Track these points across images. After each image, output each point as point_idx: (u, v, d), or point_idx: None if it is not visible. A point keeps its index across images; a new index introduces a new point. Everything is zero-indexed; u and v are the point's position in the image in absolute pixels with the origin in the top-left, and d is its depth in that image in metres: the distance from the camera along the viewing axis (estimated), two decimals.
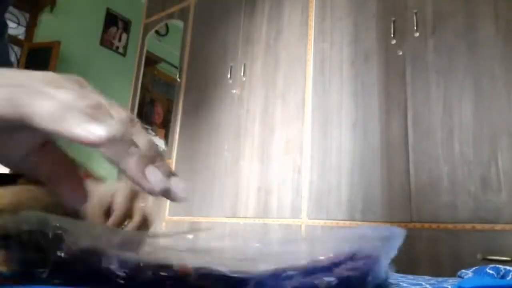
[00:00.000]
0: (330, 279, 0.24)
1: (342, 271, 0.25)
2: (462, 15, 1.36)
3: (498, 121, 1.22)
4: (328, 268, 0.25)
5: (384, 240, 0.29)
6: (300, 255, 0.28)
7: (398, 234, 0.29)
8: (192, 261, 0.26)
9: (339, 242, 0.30)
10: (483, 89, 1.27)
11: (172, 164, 2.24)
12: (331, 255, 0.27)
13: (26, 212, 0.29)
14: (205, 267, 0.25)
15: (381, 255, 0.27)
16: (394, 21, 1.52)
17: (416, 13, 1.46)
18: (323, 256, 0.26)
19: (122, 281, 0.25)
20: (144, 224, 0.47)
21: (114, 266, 0.26)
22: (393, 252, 0.28)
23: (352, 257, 0.27)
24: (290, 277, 0.25)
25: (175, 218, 2.12)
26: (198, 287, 0.25)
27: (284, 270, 0.25)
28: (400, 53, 1.48)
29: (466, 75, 1.31)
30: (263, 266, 0.26)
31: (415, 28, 1.45)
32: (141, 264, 0.26)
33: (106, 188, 0.44)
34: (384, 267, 0.28)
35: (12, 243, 0.26)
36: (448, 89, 1.34)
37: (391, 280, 0.43)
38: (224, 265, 0.26)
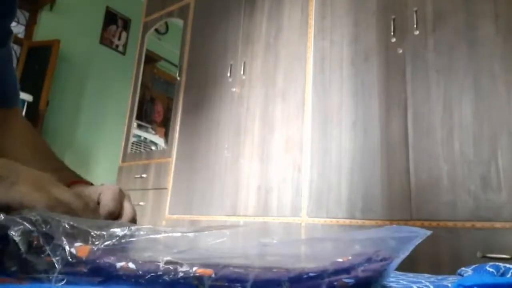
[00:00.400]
0: (348, 280, 0.25)
1: (358, 272, 0.26)
2: (462, 14, 1.36)
3: (498, 120, 1.22)
4: (346, 270, 0.26)
5: (404, 242, 0.29)
6: (321, 256, 0.28)
7: (419, 235, 0.30)
8: (211, 261, 0.26)
9: (358, 243, 0.30)
10: (483, 88, 1.27)
11: (172, 162, 2.24)
12: (350, 257, 0.27)
13: (28, 211, 0.29)
14: (226, 267, 0.25)
15: (398, 256, 0.28)
16: (394, 19, 1.52)
17: (416, 11, 1.46)
18: (341, 258, 0.27)
19: (141, 281, 0.25)
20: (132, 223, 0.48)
21: (132, 266, 0.25)
22: (407, 252, 0.29)
23: (370, 259, 0.27)
24: (310, 278, 0.25)
25: (175, 216, 2.12)
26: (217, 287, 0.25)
27: (304, 271, 0.25)
28: (400, 51, 1.48)
29: (466, 74, 1.31)
30: (285, 267, 0.26)
31: (415, 26, 1.45)
32: (159, 265, 0.25)
33: (94, 189, 0.46)
34: (393, 268, 0.28)
35: (12, 242, 0.26)
36: (448, 88, 1.34)
37: (391, 278, 0.43)
38: (243, 266, 0.26)
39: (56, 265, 0.25)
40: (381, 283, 0.28)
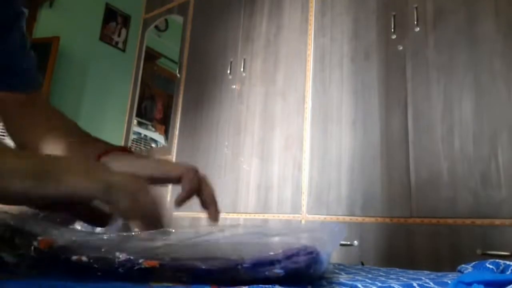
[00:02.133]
0: (279, 271, 0.28)
1: (288, 264, 0.29)
2: (462, 11, 1.36)
3: (498, 117, 1.22)
4: (277, 261, 0.28)
5: (330, 236, 0.33)
6: (252, 248, 0.30)
7: (342, 230, 0.34)
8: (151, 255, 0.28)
9: (288, 237, 0.33)
10: (483, 85, 1.27)
11: (172, 159, 2.24)
12: (280, 251, 0.29)
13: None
14: (173, 260, 0.28)
15: (324, 249, 0.31)
16: (394, 16, 1.52)
17: (416, 8, 1.46)
18: (272, 251, 0.29)
19: (98, 274, 0.27)
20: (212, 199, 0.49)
21: (85, 260, 0.27)
22: (334, 247, 0.33)
23: (298, 253, 0.29)
24: (244, 269, 0.28)
25: (175, 213, 2.12)
26: (163, 278, 0.27)
27: (236, 262, 0.28)
28: (401, 48, 1.48)
29: (467, 71, 1.31)
30: (216, 258, 0.28)
31: (415, 23, 1.45)
32: (112, 258, 0.27)
33: (151, 164, 0.47)
34: (325, 259, 0.31)
35: None
36: (449, 85, 1.34)
37: (392, 276, 0.43)
38: (180, 257, 0.28)
39: (23, 258, 0.27)
40: (316, 274, 0.31)
